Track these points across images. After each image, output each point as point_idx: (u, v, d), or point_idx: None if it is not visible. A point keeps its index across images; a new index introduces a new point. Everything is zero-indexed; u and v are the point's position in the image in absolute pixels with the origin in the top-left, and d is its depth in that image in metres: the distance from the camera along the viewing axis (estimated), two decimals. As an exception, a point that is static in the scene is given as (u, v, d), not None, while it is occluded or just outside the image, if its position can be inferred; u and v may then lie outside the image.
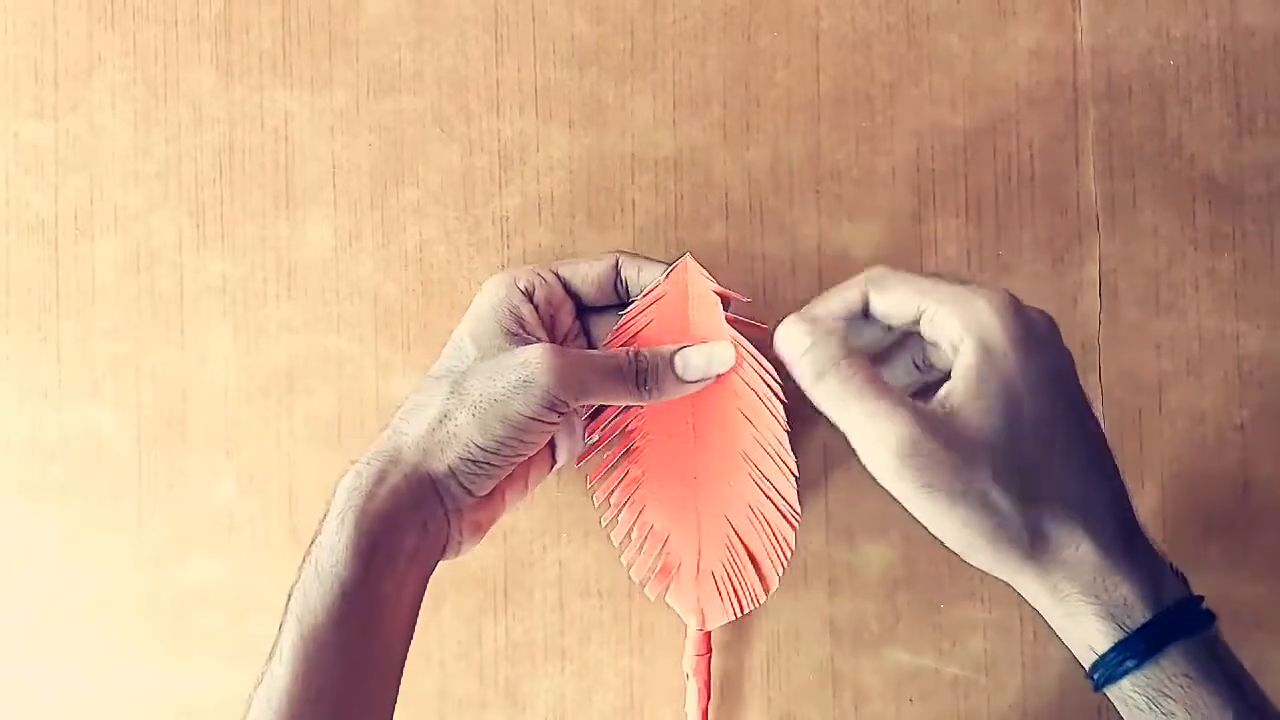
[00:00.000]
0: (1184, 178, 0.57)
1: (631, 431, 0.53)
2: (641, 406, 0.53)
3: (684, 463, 0.53)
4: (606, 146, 0.58)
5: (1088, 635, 0.43)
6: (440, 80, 0.58)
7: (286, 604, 0.45)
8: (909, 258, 0.57)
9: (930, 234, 0.57)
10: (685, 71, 0.58)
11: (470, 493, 0.48)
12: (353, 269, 0.58)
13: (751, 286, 0.57)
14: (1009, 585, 0.45)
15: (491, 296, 0.50)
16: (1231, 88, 0.57)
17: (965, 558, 0.44)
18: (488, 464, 0.47)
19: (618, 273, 0.52)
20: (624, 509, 0.54)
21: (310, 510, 0.57)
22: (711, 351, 0.51)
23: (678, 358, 0.50)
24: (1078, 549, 0.42)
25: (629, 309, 0.52)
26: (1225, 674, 0.42)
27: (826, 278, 0.57)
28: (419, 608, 0.47)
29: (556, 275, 0.52)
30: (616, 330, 0.52)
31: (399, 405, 0.49)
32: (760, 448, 0.52)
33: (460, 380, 0.48)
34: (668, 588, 0.54)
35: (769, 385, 0.50)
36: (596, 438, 0.53)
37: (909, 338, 0.49)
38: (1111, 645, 0.42)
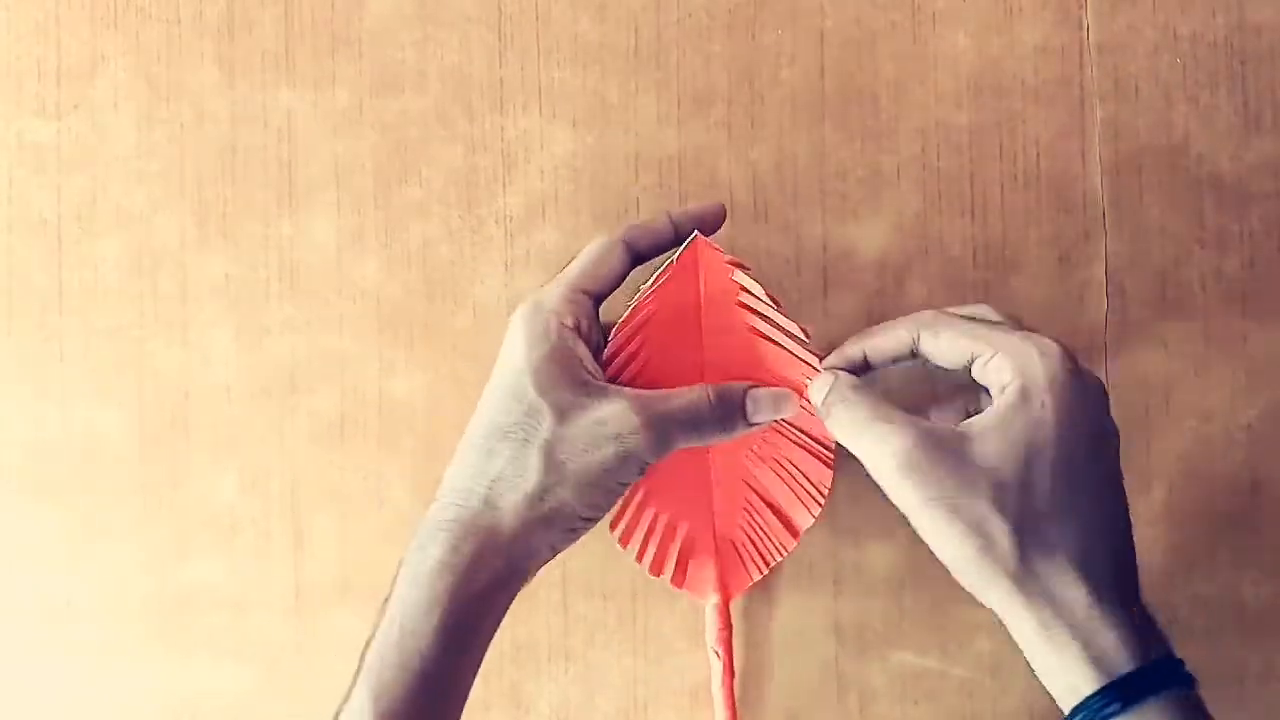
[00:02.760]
0: (1191, 176, 0.57)
1: None
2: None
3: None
4: (610, 145, 0.57)
5: (1072, 675, 0.43)
6: (443, 79, 0.58)
7: (359, 666, 0.45)
8: (914, 257, 0.57)
9: (936, 233, 0.57)
10: (689, 70, 0.57)
11: (556, 553, 0.48)
12: (356, 269, 0.58)
13: (756, 286, 0.57)
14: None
15: (543, 341, 0.47)
16: (1239, 86, 0.57)
17: (957, 578, 0.45)
18: (585, 529, 0.48)
19: (629, 255, 0.51)
20: (633, 507, 0.54)
21: (313, 510, 0.57)
22: (777, 396, 0.50)
23: (749, 399, 0.50)
24: (1068, 590, 0.43)
25: (640, 294, 0.51)
26: None
27: (831, 277, 0.57)
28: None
29: (585, 293, 0.49)
30: (628, 317, 0.51)
31: (467, 464, 0.47)
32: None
33: (549, 451, 0.46)
34: (686, 574, 0.54)
35: (800, 340, 0.51)
36: None
37: (965, 387, 0.50)
38: (1096, 689, 0.42)
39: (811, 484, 0.53)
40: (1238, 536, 0.57)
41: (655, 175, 0.57)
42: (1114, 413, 0.56)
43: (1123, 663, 0.43)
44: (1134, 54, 0.57)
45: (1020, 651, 0.54)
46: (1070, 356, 0.46)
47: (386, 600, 0.46)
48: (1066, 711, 0.43)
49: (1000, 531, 0.44)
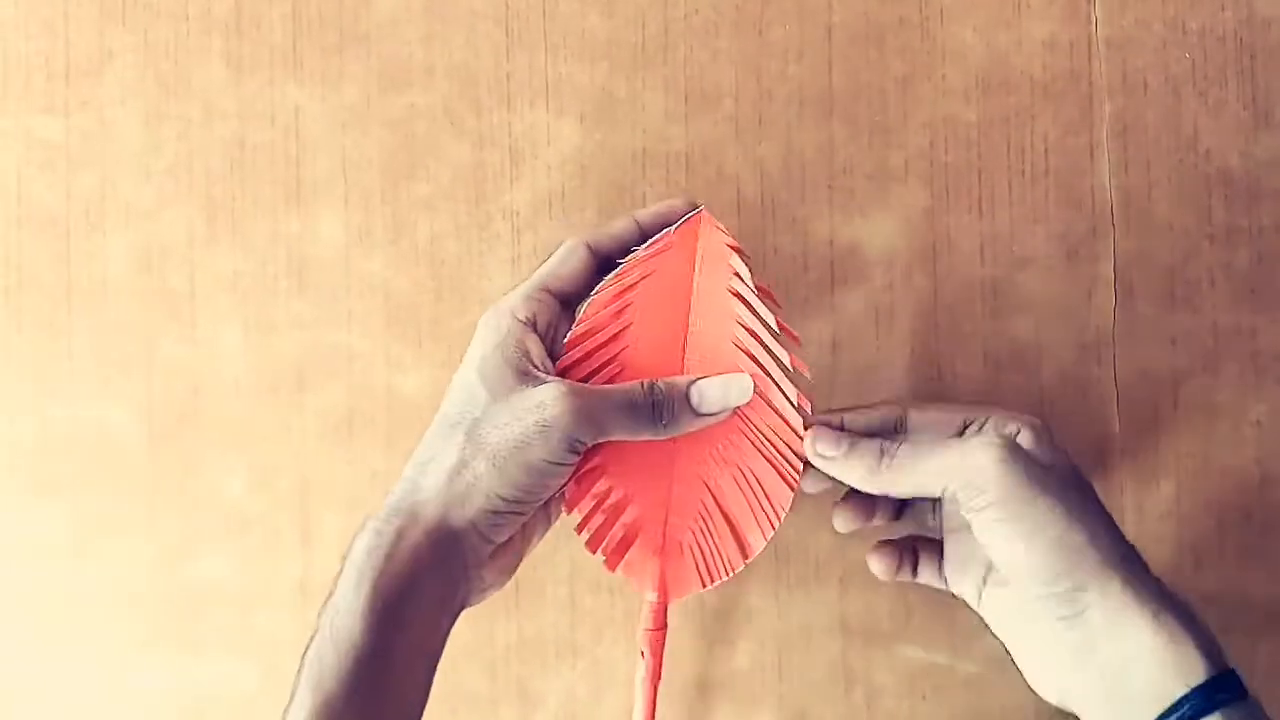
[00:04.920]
0: (1200, 172, 0.57)
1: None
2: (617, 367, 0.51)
3: None
4: (617, 141, 0.57)
5: (1186, 665, 0.43)
6: (451, 75, 0.58)
7: (300, 666, 0.44)
8: (922, 253, 0.57)
9: (943, 229, 0.57)
10: (697, 65, 0.57)
11: (490, 542, 0.47)
12: (363, 264, 0.58)
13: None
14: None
15: (494, 334, 0.48)
16: (1248, 81, 0.57)
17: (1043, 577, 0.45)
18: (509, 513, 0.46)
19: (593, 256, 0.51)
20: (585, 471, 0.51)
21: (321, 507, 0.57)
22: (728, 383, 0.50)
23: (693, 390, 0.49)
24: (1159, 592, 0.45)
25: (628, 259, 0.50)
26: None
27: (839, 273, 0.57)
28: (438, 659, 0.46)
29: (548, 291, 0.50)
30: (618, 274, 0.50)
31: (413, 456, 0.48)
32: (766, 405, 0.50)
33: (474, 427, 0.46)
34: (624, 558, 0.51)
35: (771, 328, 0.50)
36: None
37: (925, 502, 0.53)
38: (1210, 676, 0.43)
39: (770, 503, 0.51)
40: (1246, 532, 0.56)
41: (662, 171, 0.57)
42: (1122, 409, 0.57)
43: (1220, 655, 0.44)
44: (1142, 49, 0.57)
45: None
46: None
47: (327, 599, 0.45)
48: (1163, 705, 0.43)
49: (1100, 525, 0.46)
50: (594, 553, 0.51)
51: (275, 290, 0.58)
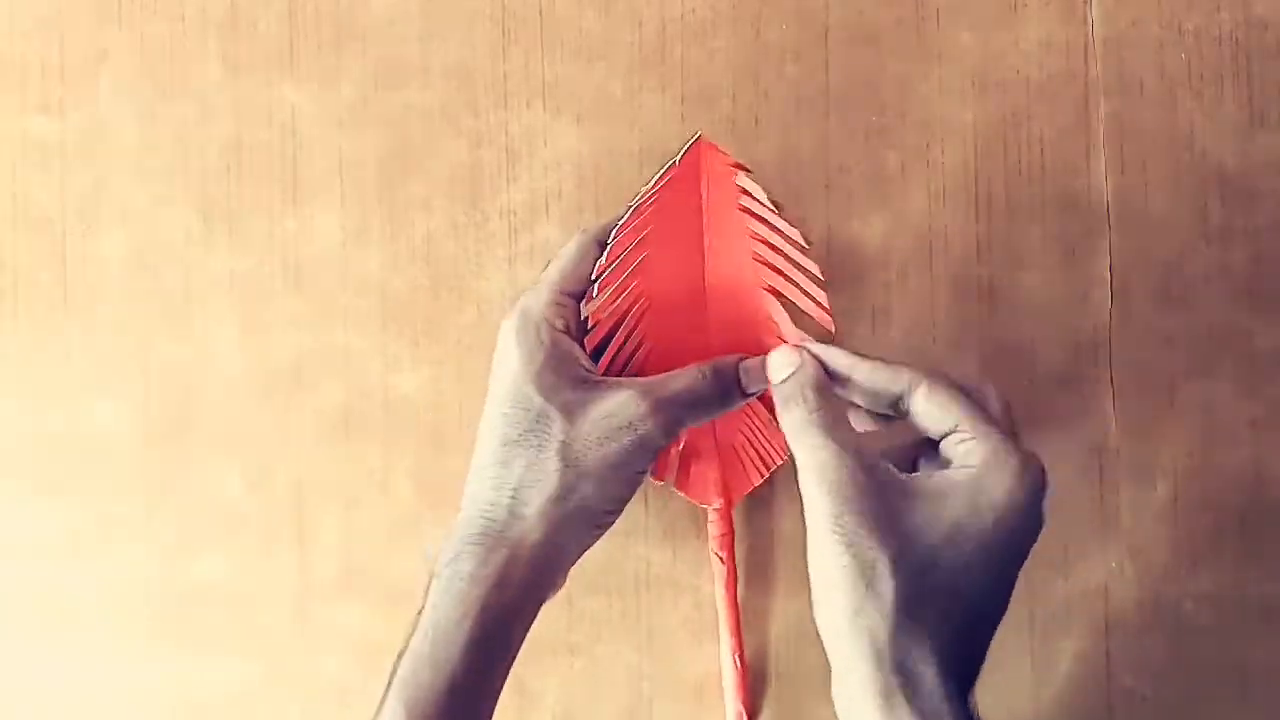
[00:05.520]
0: (1196, 172, 0.57)
1: (633, 324, 0.52)
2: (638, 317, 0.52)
3: (692, 350, 0.52)
4: (614, 140, 0.57)
5: None
6: (448, 74, 0.58)
7: (391, 676, 0.45)
8: (918, 253, 0.57)
9: (940, 228, 0.57)
10: (693, 65, 0.57)
11: (582, 552, 0.49)
12: (360, 264, 0.58)
13: (760, 281, 0.57)
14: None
15: (538, 350, 0.48)
16: (1244, 81, 0.57)
17: (820, 611, 0.44)
18: (609, 523, 0.49)
19: (603, 250, 0.52)
20: None
21: (318, 506, 0.57)
22: (769, 361, 0.50)
23: (741, 371, 0.50)
24: (925, 672, 0.42)
25: (640, 195, 0.52)
26: None
27: (835, 273, 0.57)
28: None
29: (569, 295, 0.51)
30: (625, 223, 0.51)
31: (490, 481, 0.47)
32: (794, 309, 0.52)
33: (565, 450, 0.47)
34: (689, 478, 0.54)
35: (792, 239, 0.52)
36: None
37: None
38: None
39: None
40: (1242, 533, 0.56)
41: (659, 171, 0.57)
42: (1118, 408, 0.57)
43: None
44: (1139, 49, 0.57)
45: (1025, 645, 0.54)
46: (1042, 485, 0.44)
47: (419, 613, 0.46)
48: None
49: (886, 588, 0.43)
50: (661, 480, 0.54)
51: (271, 289, 0.58)
